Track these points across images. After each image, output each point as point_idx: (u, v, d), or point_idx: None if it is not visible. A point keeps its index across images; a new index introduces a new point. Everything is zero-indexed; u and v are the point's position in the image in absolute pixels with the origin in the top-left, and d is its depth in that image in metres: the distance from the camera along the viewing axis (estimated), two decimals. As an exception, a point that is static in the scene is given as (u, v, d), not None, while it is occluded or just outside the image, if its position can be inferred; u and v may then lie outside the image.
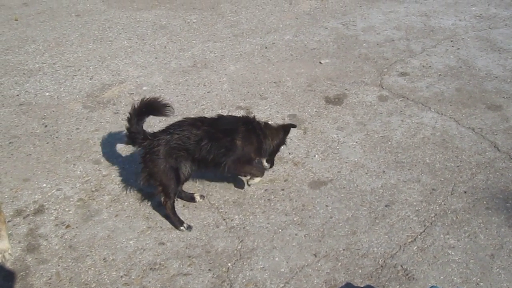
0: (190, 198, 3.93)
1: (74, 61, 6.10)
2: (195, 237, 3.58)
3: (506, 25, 6.68)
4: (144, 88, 5.46)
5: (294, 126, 4.02)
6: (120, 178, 4.18)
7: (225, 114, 4.21)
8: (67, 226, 3.71)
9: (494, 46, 6.11)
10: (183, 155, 3.65)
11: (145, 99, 3.68)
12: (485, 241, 3.48)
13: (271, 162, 4.00)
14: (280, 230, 3.61)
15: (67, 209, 3.88)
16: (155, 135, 3.71)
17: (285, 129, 3.98)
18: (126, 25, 7.09)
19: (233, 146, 3.67)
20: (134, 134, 3.66)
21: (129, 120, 3.66)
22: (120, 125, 4.83)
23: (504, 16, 6.93)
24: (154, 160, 3.61)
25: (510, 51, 5.96)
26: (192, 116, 3.98)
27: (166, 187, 3.63)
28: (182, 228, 3.67)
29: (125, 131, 3.73)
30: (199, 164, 3.72)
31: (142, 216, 3.79)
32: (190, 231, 3.66)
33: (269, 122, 4.06)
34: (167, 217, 3.77)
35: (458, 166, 4.18)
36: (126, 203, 3.92)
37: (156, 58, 6.12)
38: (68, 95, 5.38)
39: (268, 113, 4.92)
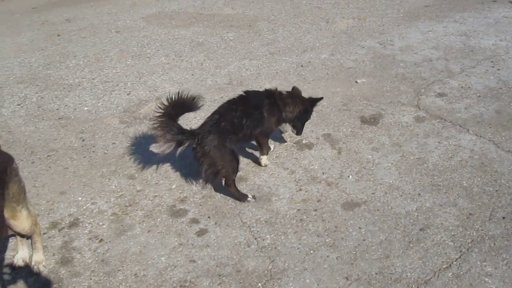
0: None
1: (112, 77, 6.23)
2: (226, 255, 3.57)
3: (549, 46, 6.53)
4: (180, 104, 5.52)
5: (321, 99, 4.51)
6: (153, 194, 4.21)
7: (249, 90, 4.47)
8: (100, 240, 3.76)
9: (536, 67, 5.97)
10: (232, 138, 4.04)
11: (173, 100, 3.92)
12: (524, 270, 3.37)
13: (297, 129, 4.53)
14: (311, 252, 3.56)
15: (101, 223, 3.93)
16: (202, 128, 4.01)
17: (312, 100, 4.49)
18: (164, 41, 7.21)
19: (262, 119, 4.18)
20: (179, 136, 3.89)
21: (168, 125, 3.84)
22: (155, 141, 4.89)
23: (547, 37, 6.78)
24: (212, 149, 3.93)
25: (553, 73, 5.82)
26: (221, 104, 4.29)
27: (229, 170, 4.02)
28: (249, 199, 4.07)
29: (161, 138, 3.86)
30: (242, 140, 4.21)
31: (174, 232, 3.81)
32: (255, 200, 4.07)
33: (295, 92, 4.53)
34: (231, 195, 4.13)
35: (496, 191, 4.06)
36: (158, 219, 3.94)
37: (192, 74, 6.19)
38: (105, 110, 5.48)
39: (303, 132, 4.88)
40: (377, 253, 3.53)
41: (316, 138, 4.80)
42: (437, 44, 6.68)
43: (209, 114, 4.20)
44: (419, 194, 4.06)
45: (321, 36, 7.12)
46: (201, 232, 3.79)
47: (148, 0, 9.06)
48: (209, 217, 3.94)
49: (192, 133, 3.96)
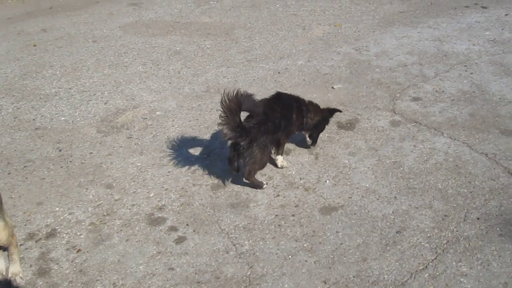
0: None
1: (89, 86, 6.20)
2: (205, 262, 3.58)
3: (520, 49, 6.66)
4: (157, 113, 5.52)
5: (339, 110, 4.75)
6: (131, 203, 4.21)
7: (281, 91, 4.64)
8: (78, 250, 3.74)
9: (508, 70, 6.08)
10: (271, 138, 4.22)
11: (240, 96, 3.98)
12: (498, 269, 3.42)
13: (313, 139, 4.71)
14: (290, 257, 3.59)
15: (78, 233, 3.91)
16: (253, 128, 4.09)
17: (330, 110, 4.69)
18: (141, 50, 7.20)
19: (291, 120, 4.37)
20: (233, 133, 3.99)
21: (233, 117, 3.96)
22: (133, 149, 4.89)
23: (518, 41, 6.92)
24: (259, 150, 4.10)
25: (524, 76, 5.94)
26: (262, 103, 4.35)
27: (260, 167, 4.27)
28: (265, 186, 4.27)
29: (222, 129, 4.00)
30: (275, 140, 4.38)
31: (152, 241, 3.80)
32: (267, 184, 4.31)
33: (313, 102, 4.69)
34: (249, 184, 4.29)
35: (471, 192, 4.14)
36: (137, 228, 3.94)
37: (170, 83, 6.20)
38: (82, 120, 5.46)
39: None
40: (354, 257, 3.57)
41: (293, 144, 4.84)
42: (412, 49, 6.78)
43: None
44: (395, 197, 4.11)
45: (298, 43, 7.18)
46: (180, 240, 3.80)
47: (125, 9, 9.04)
48: (187, 224, 3.94)
49: (246, 132, 4.02)
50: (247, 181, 4.28)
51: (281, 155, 4.55)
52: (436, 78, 5.98)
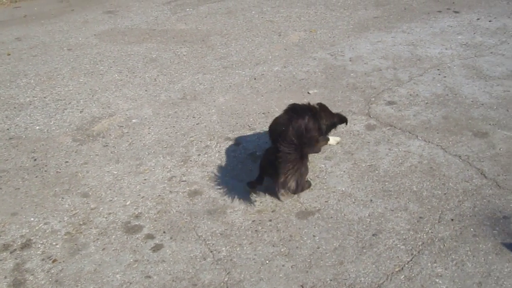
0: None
1: (64, 95, 6.16)
2: (182, 270, 3.56)
3: (491, 53, 6.78)
4: (133, 120, 5.50)
5: (346, 122, 4.82)
6: (108, 211, 4.18)
7: (295, 103, 4.70)
8: (54, 261, 3.70)
9: (480, 73, 6.19)
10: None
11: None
12: (472, 269, 3.47)
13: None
14: (267, 262, 3.60)
15: (54, 243, 3.86)
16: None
17: (341, 117, 4.77)
18: (117, 58, 7.17)
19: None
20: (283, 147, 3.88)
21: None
22: (109, 157, 4.86)
23: (489, 44, 7.04)
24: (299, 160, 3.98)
25: (495, 79, 6.04)
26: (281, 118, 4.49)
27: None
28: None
29: None
30: None
31: (129, 249, 3.78)
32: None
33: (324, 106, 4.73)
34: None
35: (445, 194, 4.19)
36: (113, 236, 3.91)
37: (146, 90, 6.18)
38: (58, 129, 5.41)
39: (256, 143, 4.95)
40: (331, 260, 3.59)
41: (270, 149, 4.86)
42: (386, 54, 6.86)
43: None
44: (371, 200, 4.15)
45: (274, 49, 7.21)
46: (157, 248, 3.78)
47: (100, 17, 9.01)
48: (164, 232, 3.93)
49: (291, 143, 3.88)
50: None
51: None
52: (410, 82, 6.06)
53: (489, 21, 7.91)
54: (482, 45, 7.05)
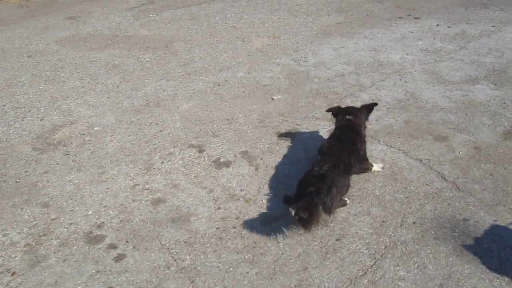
0: None
1: (24, 102, 6.03)
2: (145, 279, 3.52)
3: (451, 58, 6.92)
4: (95, 128, 5.42)
5: (375, 104, 4.76)
6: (69, 221, 4.09)
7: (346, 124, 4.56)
8: (13, 273, 3.60)
9: (440, 78, 6.32)
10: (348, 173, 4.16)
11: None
12: (434, 271, 3.52)
13: None
14: (231, 269, 3.58)
15: (13, 255, 3.77)
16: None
17: (368, 107, 4.72)
18: (78, 65, 7.06)
19: (361, 149, 4.40)
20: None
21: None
22: (71, 166, 4.78)
23: (448, 50, 7.19)
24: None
25: (455, 83, 6.17)
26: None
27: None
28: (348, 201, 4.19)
29: None
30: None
31: (91, 259, 3.71)
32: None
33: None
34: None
35: (407, 197, 4.25)
36: (74, 247, 3.83)
37: (108, 97, 6.10)
38: (17, 137, 5.29)
39: (220, 150, 4.93)
40: (295, 266, 3.59)
41: (234, 156, 4.85)
42: (349, 60, 6.93)
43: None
44: (335, 205, 4.18)
45: (237, 55, 7.22)
46: (119, 258, 3.72)
47: (62, 23, 8.86)
48: (127, 241, 3.87)
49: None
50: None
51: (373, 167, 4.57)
52: (372, 87, 6.14)
53: (448, 27, 8.08)
54: (442, 50, 7.20)
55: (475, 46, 7.33)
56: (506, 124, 5.29)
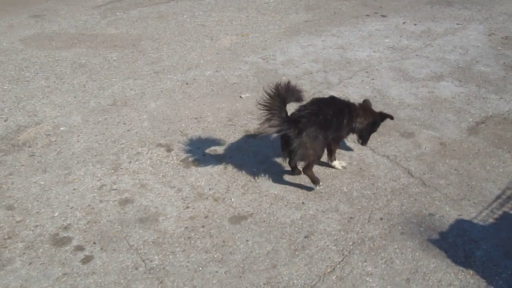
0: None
1: (-13, 103, 5.90)
2: (113, 281, 3.48)
3: (417, 55, 7.03)
4: (61, 128, 5.33)
5: (391, 117, 4.62)
6: (35, 224, 4.02)
7: (335, 96, 4.61)
8: (-24, 278, 3.53)
9: (406, 75, 6.40)
10: (322, 132, 4.17)
11: (284, 88, 4.05)
12: (401, 266, 3.57)
13: (363, 139, 4.66)
14: (200, 269, 3.57)
15: (-24, 260, 3.69)
16: (302, 119, 4.10)
17: (382, 115, 4.63)
18: (44, 64, 6.94)
19: (342, 125, 4.35)
20: (284, 125, 4.05)
21: (278, 110, 4.03)
22: (36, 167, 4.69)
23: (414, 47, 7.29)
24: (309, 140, 4.09)
25: (421, 80, 6.27)
26: (318, 98, 4.59)
27: (315, 158, 4.24)
28: (318, 187, 4.33)
29: (267, 122, 4.05)
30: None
31: (57, 262, 3.65)
32: (321, 186, 4.36)
33: (366, 105, 4.68)
34: (309, 177, 4.33)
35: (374, 194, 4.30)
36: (40, 250, 3.77)
37: (74, 97, 6.01)
38: (-20, 139, 5.18)
39: (188, 149, 4.91)
40: (264, 264, 3.60)
41: (202, 155, 4.83)
42: (317, 57, 6.98)
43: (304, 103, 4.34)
44: (303, 203, 4.20)
45: (206, 53, 7.19)
46: (87, 259, 3.67)
47: (26, 21, 8.69)
48: (94, 242, 3.82)
49: (293, 123, 4.08)
50: (305, 174, 4.38)
51: (335, 159, 4.64)
52: (340, 84, 6.18)
53: (414, 25, 8.20)
54: (408, 48, 7.30)
55: (440, 43, 7.45)
56: (471, 120, 5.39)
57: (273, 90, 4.01)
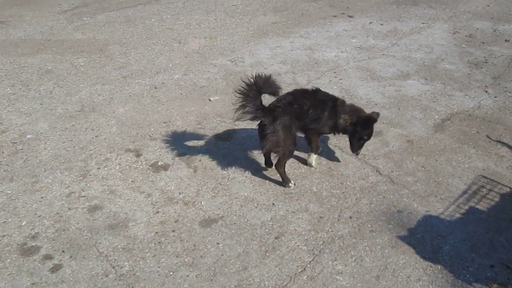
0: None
1: (-49, 112, 5.78)
2: (83, 289, 3.45)
3: (383, 54, 7.12)
4: (28, 136, 5.25)
5: (375, 119, 4.46)
6: (1, 234, 3.95)
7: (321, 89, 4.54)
8: None
9: (373, 75, 6.48)
10: (296, 123, 4.28)
11: (263, 79, 4.16)
12: (370, 263, 3.61)
13: (351, 145, 4.53)
14: (171, 273, 3.55)
15: None
16: (276, 108, 4.24)
17: (369, 117, 4.45)
18: (9, 71, 6.83)
19: (322, 117, 4.34)
20: (258, 112, 4.18)
21: (253, 97, 4.14)
22: (2, 176, 4.62)
23: (381, 47, 7.39)
24: (281, 129, 4.18)
25: (387, 79, 6.35)
26: (302, 89, 4.61)
27: (286, 152, 4.28)
28: (290, 185, 4.39)
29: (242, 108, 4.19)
30: (301, 129, 4.43)
31: (25, 272, 3.60)
32: (295, 186, 4.42)
33: (356, 106, 4.62)
34: (280, 174, 4.41)
35: (343, 193, 4.34)
36: (8, 260, 3.70)
37: (41, 104, 5.93)
38: None
39: (158, 153, 4.89)
40: (235, 266, 3.61)
41: (172, 159, 4.81)
42: (285, 59, 7.01)
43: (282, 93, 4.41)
44: (273, 204, 4.22)
45: (174, 57, 7.17)
46: (56, 268, 3.63)
47: (-10, 28, 8.55)
48: (63, 251, 3.78)
49: (268, 111, 4.21)
50: (276, 171, 4.45)
51: (315, 153, 4.63)
52: (308, 85, 6.22)
53: (381, 25, 8.30)
54: (375, 47, 7.38)
55: (406, 42, 7.56)
56: (437, 117, 5.48)
57: (252, 79, 4.12)
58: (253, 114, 4.17)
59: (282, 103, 4.26)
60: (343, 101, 4.49)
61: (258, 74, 4.17)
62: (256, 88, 4.11)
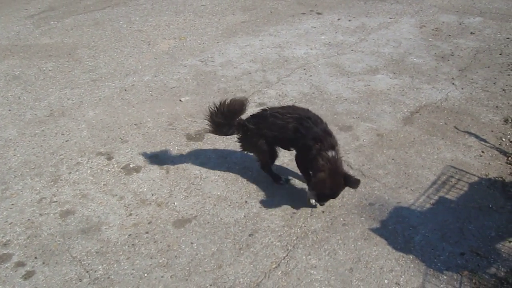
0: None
1: None
2: (57, 294, 3.43)
3: (352, 50, 7.19)
4: (-3, 143, 5.19)
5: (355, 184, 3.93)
6: (-28, 243, 3.91)
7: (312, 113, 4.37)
8: None
9: (343, 70, 6.54)
10: (267, 133, 4.25)
11: (229, 104, 4.33)
12: (344, 256, 3.66)
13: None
14: (145, 275, 3.55)
15: None
16: (248, 121, 4.39)
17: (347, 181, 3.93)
18: (-25, 78, 6.72)
19: (297, 140, 4.17)
20: (229, 131, 4.40)
21: (219, 126, 4.38)
22: (-29, 185, 4.55)
23: (350, 43, 7.46)
24: (251, 141, 4.35)
25: (357, 74, 6.42)
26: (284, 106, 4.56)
27: (262, 158, 4.41)
28: (282, 182, 4.46)
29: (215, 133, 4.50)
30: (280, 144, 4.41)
31: (-3, 280, 3.56)
32: (287, 183, 4.50)
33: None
34: (268, 175, 4.51)
35: (315, 188, 4.38)
36: (-21, 269, 3.66)
37: (9, 110, 5.84)
38: None
39: (129, 156, 4.86)
40: (210, 265, 3.62)
41: (144, 161, 4.79)
42: (255, 57, 7.03)
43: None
44: (246, 202, 4.23)
45: (144, 59, 7.13)
46: (28, 275, 3.59)
47: (-45, 35, 8.39)
48: (36, 257, 3.74)
49: (239, 127, 4.37)
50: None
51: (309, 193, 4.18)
52: (278, 83, 6.26)
53: (349, 21, 8.38)
54: (344, 43, 7.45)
55: (374, 37, 7.64)
56: (405, 110, 5.56)
57: (218, 108, 4.34)
58: (228, 133, 4.45)
59: (253, 118, 4.43)
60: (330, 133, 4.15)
61: (223, 103, 4.33)
62: (227, 115, 4.33)
